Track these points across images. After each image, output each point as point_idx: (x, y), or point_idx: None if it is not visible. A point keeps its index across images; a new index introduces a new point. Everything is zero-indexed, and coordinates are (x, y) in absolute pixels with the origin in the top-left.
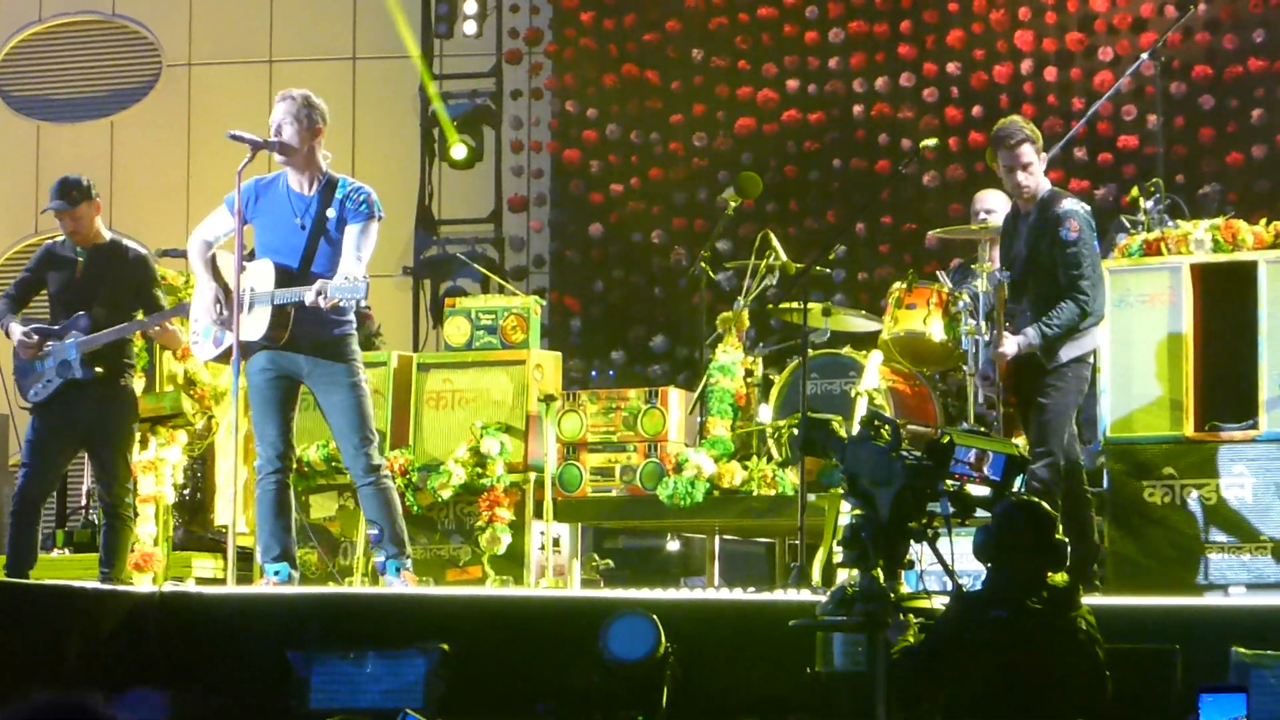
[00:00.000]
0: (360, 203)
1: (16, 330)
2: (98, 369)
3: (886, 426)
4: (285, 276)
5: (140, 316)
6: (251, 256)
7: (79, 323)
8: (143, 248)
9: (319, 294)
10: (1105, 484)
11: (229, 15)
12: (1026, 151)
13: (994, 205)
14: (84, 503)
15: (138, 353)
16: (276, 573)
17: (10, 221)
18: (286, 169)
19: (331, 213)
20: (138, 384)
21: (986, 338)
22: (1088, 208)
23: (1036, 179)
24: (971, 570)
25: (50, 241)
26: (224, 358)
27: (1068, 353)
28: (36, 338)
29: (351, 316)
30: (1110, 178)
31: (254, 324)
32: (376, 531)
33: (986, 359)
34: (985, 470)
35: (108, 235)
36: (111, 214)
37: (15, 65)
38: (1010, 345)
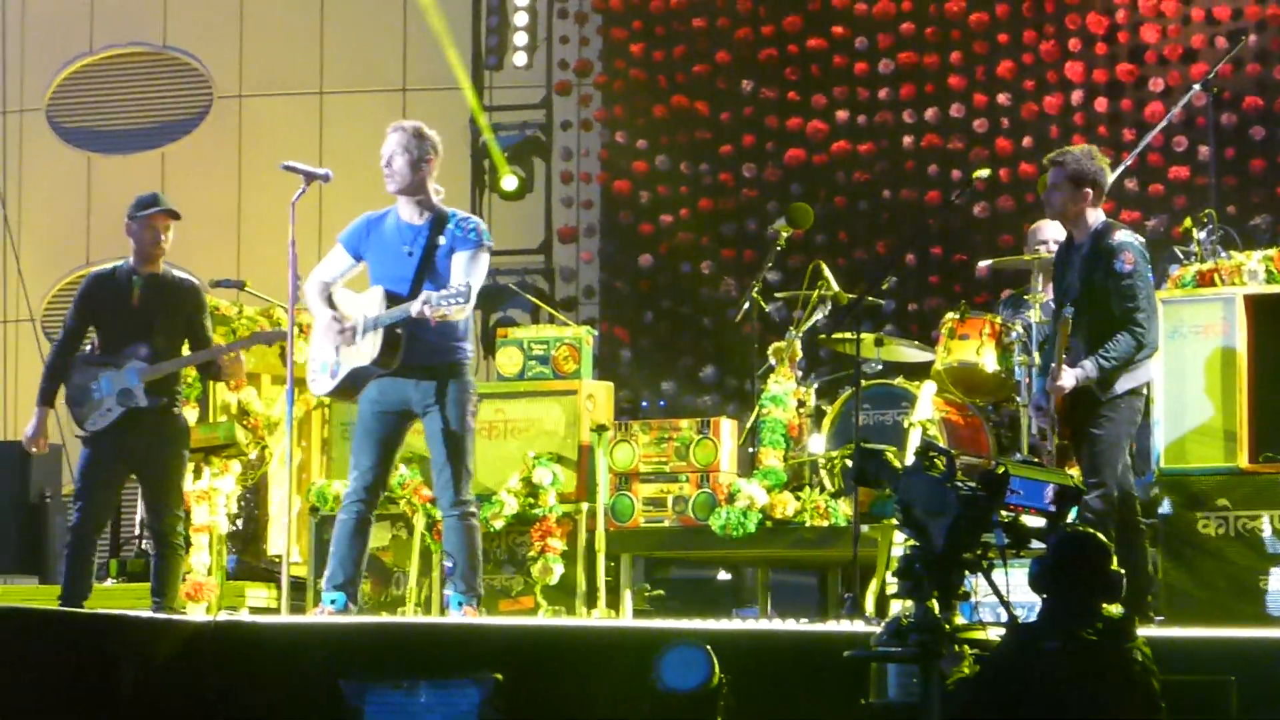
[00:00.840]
0: (469, 230)
1: (36, 416)
2: (161, 399)
3: (941, 457)
4: (394, 302)
5: (188, 347)
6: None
7: (139, 351)
8: (194, 278)
9: (424, 303)
10: (1159, 515)
11: (279, 47)
12: (1054, 174)
13: (1052, 235)
14: (137, 532)
15: (191, 383)
16: (333, 600)
17: (62, 252)
18: (398, 201)
19: (442, 241)
20: (190, 414)
21: (1039, 368)
22: (1142, 240)
23: (1056, 209)
24: (1026, 601)
25: (95, 272)
26: (341, 391)
27: (1122, 384)
28: (42, 438)
29: (468, 346)
30: (1161, 209)
31: (365, 349)
32: (451, 565)
33: (1040, 389)
34: (1040, 501)
35: (162, 264)
36: None
37: (66, 97)
38: (1068, 378)
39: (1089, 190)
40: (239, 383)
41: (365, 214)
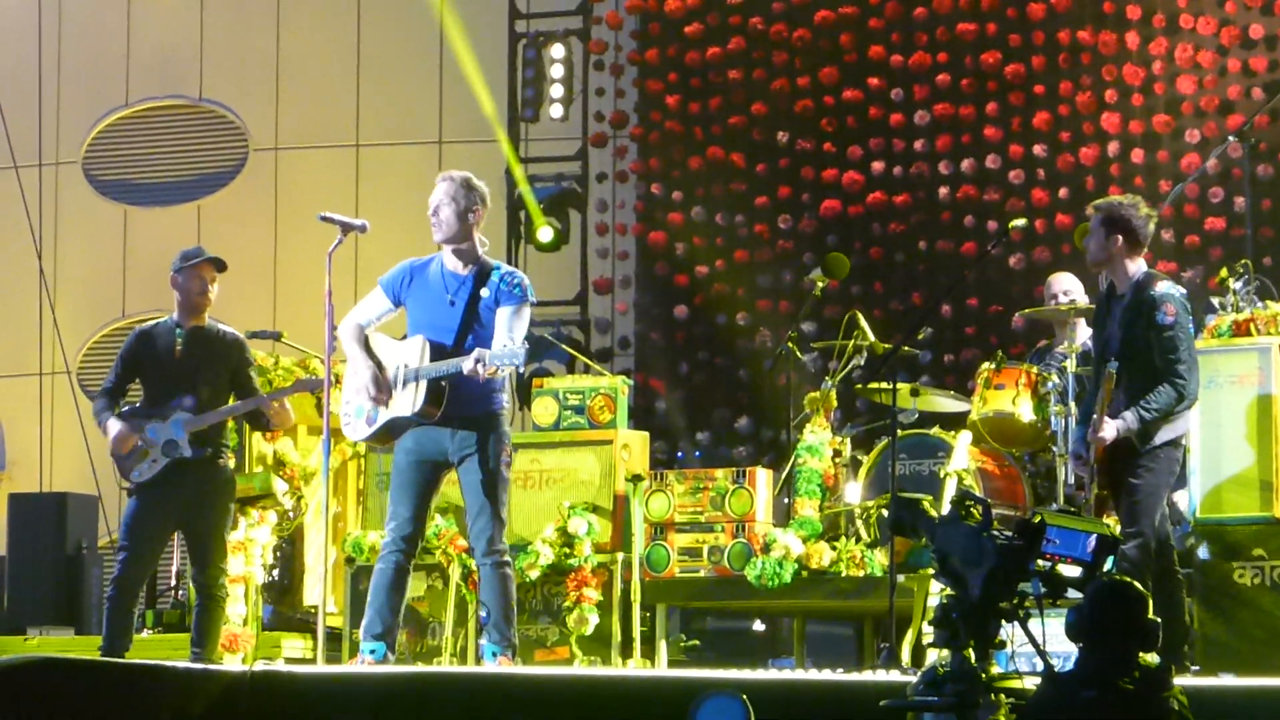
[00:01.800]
0: (514, 285)
1: (115, 426)
2: (206, 449)
3: (977, 506)
4: (438, 353)
5: (233, 399)
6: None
7: (184, 403)
8: (237, 331)
9: (478, 361)
10: (1195, 565)
11: (315, 99)
12: (1092, 221)
13: (1069, 286)
14: (173, 583)
15: (228, 433)
16: (373, 651)
17: (98, 305)
18: (443, 250)
19: (485, 293)
20: (230, 465)
21: (1077, 418)
22: (1184, 291)
23: (1100, 251)
24: (1063, 651)
25: (139, 328)
26: (378, 436)
27: (1162, 436)
28: (134, 436)
29: (504, 396)
30: (1197, 260)
31: (406, 399)
32: (485, 614)
33: (1080, 438)
34: (1077, 551)
35: (207, 317)
36: None
37: (102, 149)
38: (1109, 430)
39: (1120, 236)
40: (275, 434)
41: (409, 260)
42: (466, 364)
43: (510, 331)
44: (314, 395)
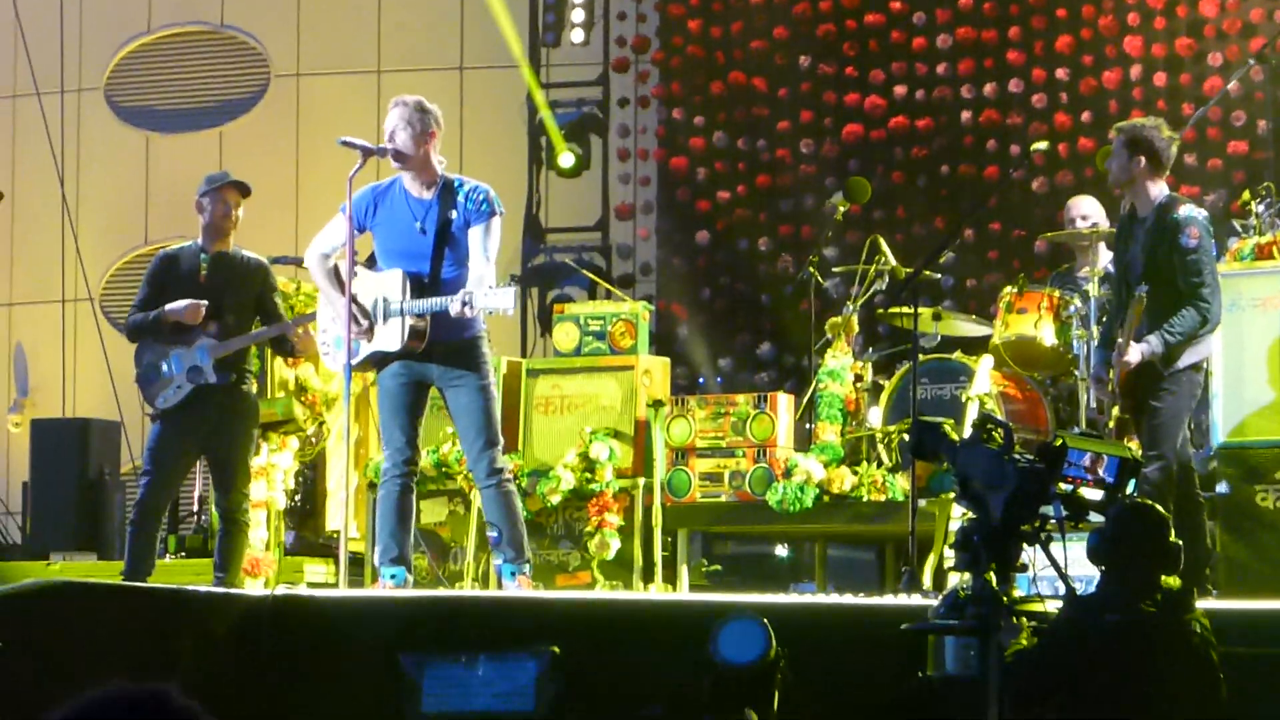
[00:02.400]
0: (481, 202)
1: (180, 304)
2: (230, 375)
3: (999, 429)
4: (417, 285)
5: (259, 324)
6: (371, 262)
7: (208, 328)
8: (261, 256)
9: (465, 304)
10: (1217, 489)
11: (337, 26)
12: (1115, 143)
13: (1089, 210)
14: (195, 508)
15: (252, 358)
16: (393, 576)
17: (120, 232)
18: (402, 174)
19: (453, 215)
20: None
21: (1098, 341)
22: (1206, 213)
23: (1121, 171)
24: (1085, 575)
25: (164, 251)
26: (359, 366)
27: (1185, 359)
28: (202, 302)
29: (482, 320)
30: (1220, 184)
31: (390, 335)
32: (496, 534)
33: (1099, 362)
34: (1099, 473)
35: (231, 242)
36: None
37: (124, 76)
38: (1134, 354)
39: (1142, 158)
40: (298, 360)
41: (369, 185)
42: (454, 306)
43: (485, 251)
44: None
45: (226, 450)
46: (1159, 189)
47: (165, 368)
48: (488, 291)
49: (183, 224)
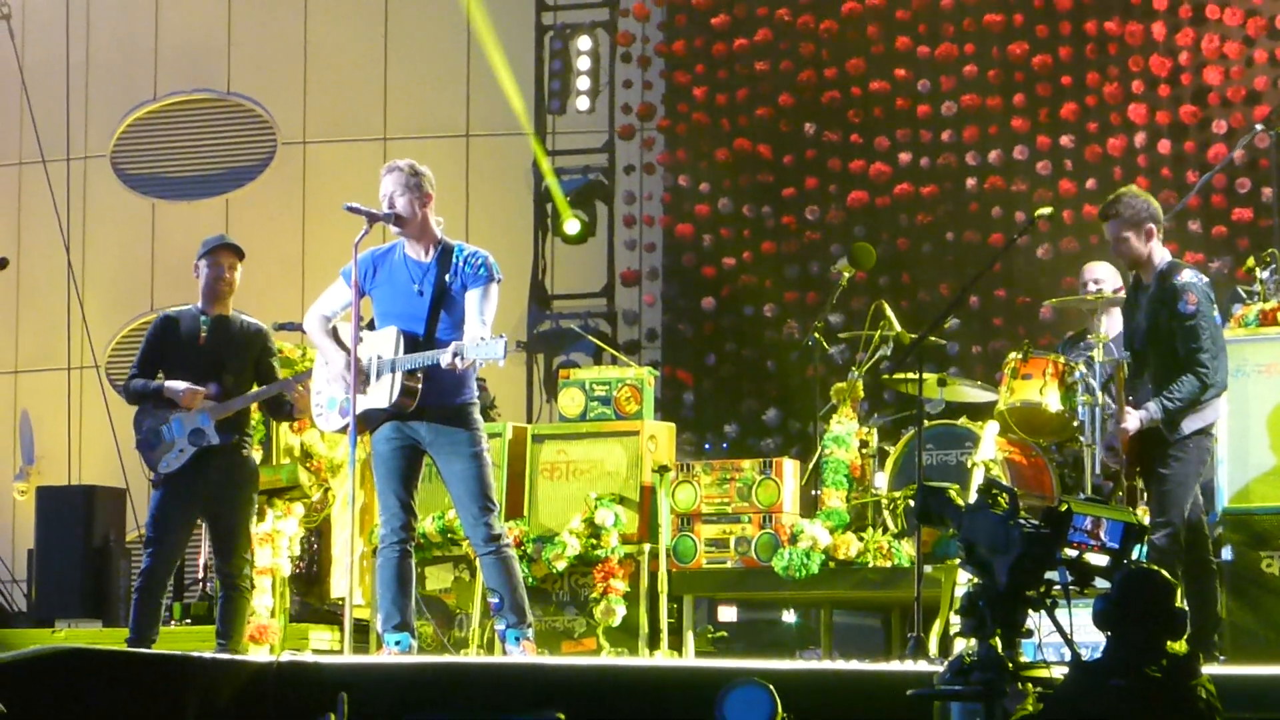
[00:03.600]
0: (479, 266)
1: (180, 384)
2: (232, 436)
3: (1004, 494)
4: (411, 344)
5: (256, 388)
6: (371, 327)
7: (209, 391)
8: (261, 322)
9: (456, 355)
10: (1222, 554)
11: (343, 93)
12: (1111, 227)
13: (1102, 275)
14: (200, 575)
15: (255, 425)
16: (397, 642)
17: (126, 299)
18: (402, 239)
19: (450, 278)
20: (255, 456)
21: (1104, 408)
22: (1206, 279)
23: (1133, 253)
24: (1090, 641)
25: (165, 313)
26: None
27: (1189, 425)
28: (200, 388)
29: (474, 386)
30: (1225, 251)
31: (382, 391)
32: (497, 600)
33: (1112, 428)
34: (1104, 538)
35: (230, 306)
36: None
37: (131, 143)
38: (1133, 420)
39: (1152, 226)
40: (302, 424)
41: (370, 249)
42: (444, 358)
43: (481, 315)
44: None
45: (228, 515)
46: (1162, 255)
47: (166, 432)
48: (478, 343)
49: (189, 292)
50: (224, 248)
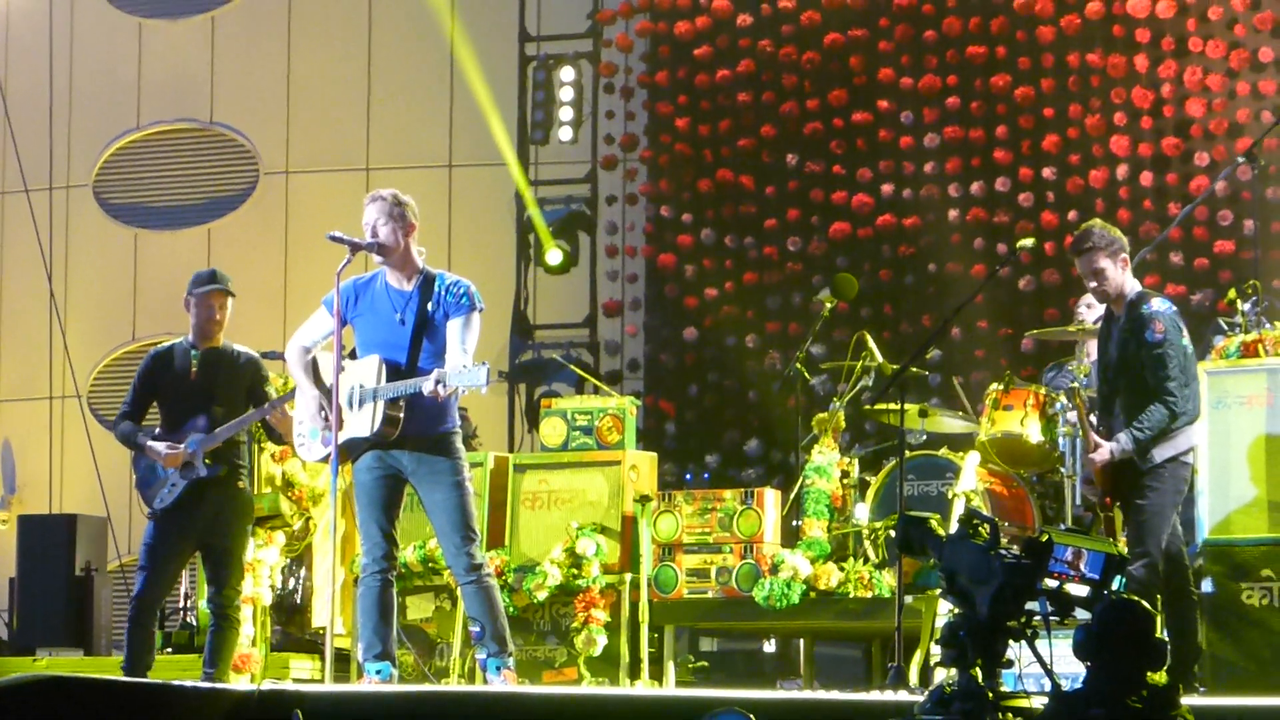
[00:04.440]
0: (461, 295)
1: (160, 446)
2: (221, 467)
3: (985, 525)
4: (393, 372)
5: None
6: (353, 356)
7: (197, 424)
8: (252, 350)
9: (438, 382)
10: (1202, 586)
11: (326, 123)
12: (1089, 259)
13: (1093, 302)
14: (182, 605)
15: (244, 452)
16: (378, 671)
17: (108, 329)
18: (384, 267)
19: (432, 307)
20: (249, 488)
21: (1084, 439)
22: (1174, 308)
23: (1112, 283)
24: (1071, 672)
25: (156, 349)
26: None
27: (1161, 453)
28: (181, 446)
29: (456, 415)
30: (1206, 283)
31: (364, 420)
32: (479, 629)
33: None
34: (1084, 569)
35: (221, 339)
36: None
37: (113, 173)
38: (1103, 452)
39: (1125, 255)
40: (284, 453)
41: (351, 278)
42: (426, 385)
43: (463, 344)
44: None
45: (221, 545)
46: (1132, 285)
47: (160, 469)
48: (460, 370)
49: (171, 321)
50: (216, 291)
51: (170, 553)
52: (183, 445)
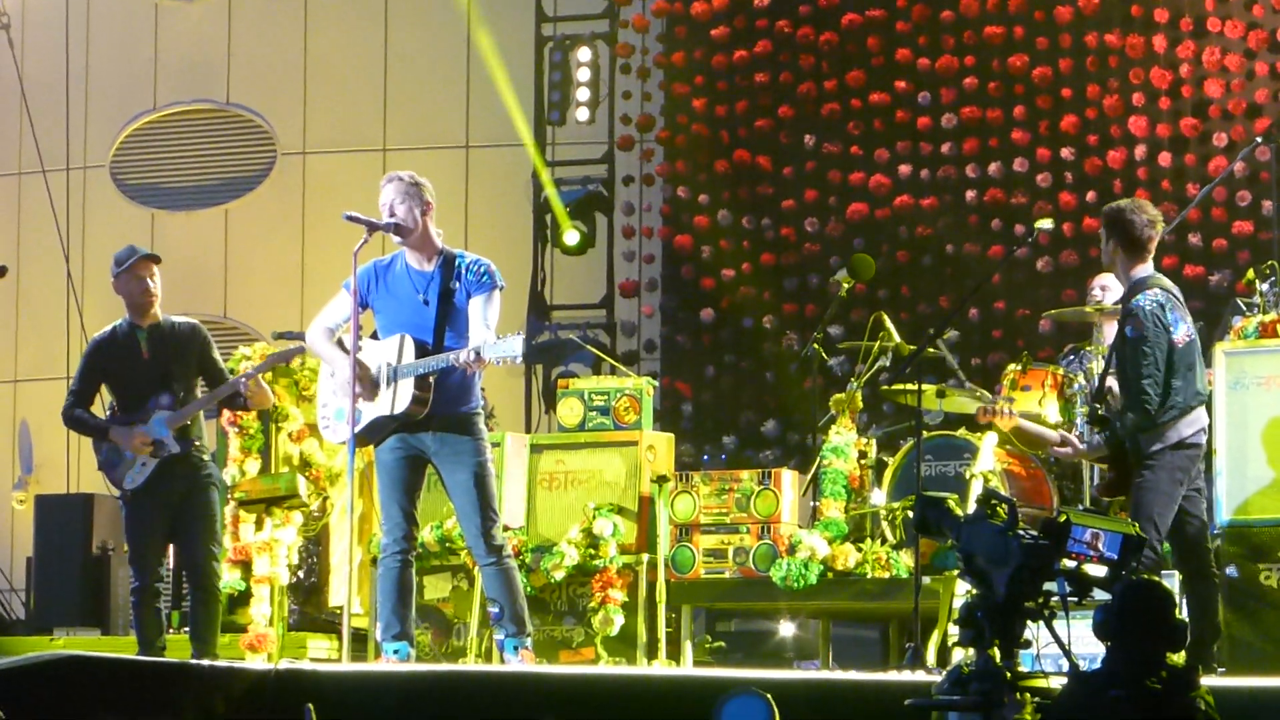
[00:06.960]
0: (483, 274)
1: (126, 431)
2: (192, 443)
3: (1003, 505)
4: (420, 352)
5: (203, 385)
6: (374, 338)
7: (160, 402)
8: (192, 319)
9: (475, 354)
10: (1228, 571)
11: (342, 104)
12: (1105, 238)
13: (1108, 283)
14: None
15: (254, 434)
16: (396, 651)
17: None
18: (404, 249)
19: (454, 286)
20: (252, 465)
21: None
22: (1159, 299)
23: (1105, 260)
24: (1089, 652)
25: (96, 337)
26: (360, 438)
27: (1156, 444)
28: (143, 428)
29: (479, 394)
30: (1224, 264)
31: (389, 398)
32: (497, 610)
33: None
34: (1102, 549)
35: (159, 313)
36: (226, 300)
37: (130, 154)
38: (1067, 448)
39: (1115, 240)
40: (300, 433)
41: (371, 260)
42: (462, 355)
43: (486, 321)
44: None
45: (194, 520)
46: (1136, 271)
47: (127, 449)
48: (495, 341)
49: (188, 302)
50: (141, 260)
51: (150, 533)
52: (145, 426)
